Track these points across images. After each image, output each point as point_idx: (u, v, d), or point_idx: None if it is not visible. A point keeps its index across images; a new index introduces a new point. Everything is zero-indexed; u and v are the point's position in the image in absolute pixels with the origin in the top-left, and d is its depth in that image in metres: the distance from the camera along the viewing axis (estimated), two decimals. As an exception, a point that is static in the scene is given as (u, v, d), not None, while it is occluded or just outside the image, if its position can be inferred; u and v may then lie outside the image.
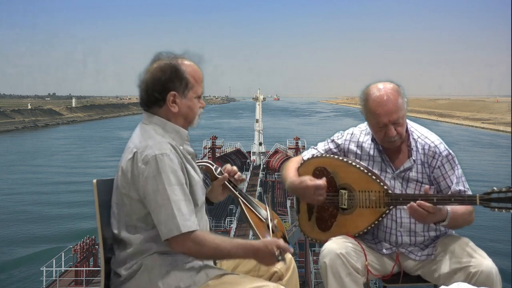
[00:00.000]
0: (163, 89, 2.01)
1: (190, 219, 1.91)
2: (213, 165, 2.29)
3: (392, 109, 2.33)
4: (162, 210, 1.89)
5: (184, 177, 1.96)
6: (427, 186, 2.31)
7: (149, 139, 1.96)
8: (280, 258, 1.91)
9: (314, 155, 2.61)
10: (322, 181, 2.44)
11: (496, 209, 2.19)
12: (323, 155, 2.60)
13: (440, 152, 2.43)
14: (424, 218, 2.27)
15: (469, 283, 2.03)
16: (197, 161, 2.16)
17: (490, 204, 2.20)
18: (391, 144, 2.43)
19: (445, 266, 2.32)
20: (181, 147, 2.03)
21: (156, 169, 1.89)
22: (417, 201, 2.25)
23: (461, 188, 2.41)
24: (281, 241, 1.95)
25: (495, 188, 2.21)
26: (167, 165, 1.91)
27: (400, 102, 2.36)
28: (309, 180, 2.45)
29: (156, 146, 1.93)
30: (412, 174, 2.44)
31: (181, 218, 1.89)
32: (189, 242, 1.90)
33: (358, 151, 2.55)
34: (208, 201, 2.26)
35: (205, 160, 2.30)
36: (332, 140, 2.64)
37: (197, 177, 2.06)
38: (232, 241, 1.95)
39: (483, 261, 2.23)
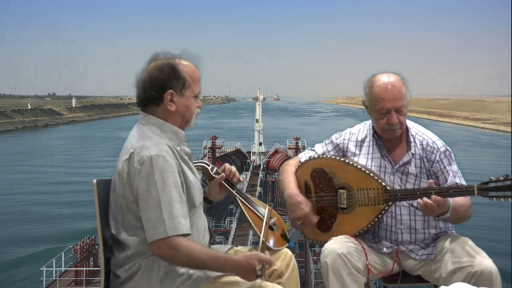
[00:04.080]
0: (160, 87, 2.01)
1: (182, 222, 1.89)
2: (209, 165, 2.29)
3: (397, 95, 2.38)
4: (150, 213, 1.87)
5: (180, 179, 1.95)
6: (431, 180, 2.32)
7: (147, 139, 1.95)
8: (259, 273, 1.87)
9: (311, 157, 2.62)
10: (314, 219, 2.49)
11: (494, 198, 2.19)
12: (320, 156, 2.61)
13: (438, 148, 2.46)
14: (432, 210, 2.28)
15: (469, 283, 2.03)
16: (193, 161, 2.16)
17: (488, 193, 2.20)
18: (391, 134, 2.45)
19: (445, 266, 2.32)
20: (178, 148, 2.02)
21: (150, 169, 1.88)
22: (432, 197, 2.25)
23: (458, 181, 2.43)
24: (263, 255, 1.93)
25: (492, 178, 2.21)
26: (162, 166, 1.89)
27: (404, 92, 2.42)
28: (307, 208, 2.47)
29: (153, 147, 1.92)
30: (411, 168, 2.46)
31: (169, 221, 1.86)
32: (165, 246, 1.86)
33: (357, 149, 2.57)
34: (206, 199, 2.26)
35: (201, 161, 2.31)
36: (331, 141, 2.65)
37: (194, 178, 2.06)
38: (210, 252, 1.91)
39: (483, 261, 2.23)
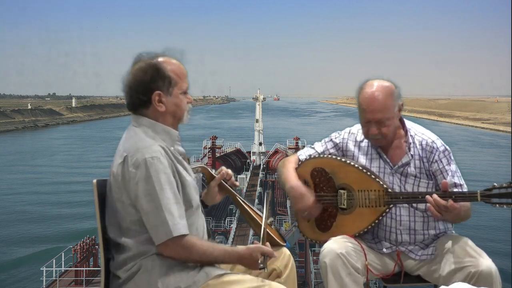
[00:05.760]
0: (147, 90, 1.99)
1: (181, 222, 1.91)
2: (207, 167, 2.31)
3: (377, 108, 2.36)
4: (153, 215, 1.89)
5: (175, 180, 1.95)
6: (445, 180, 2.32)
7: (139, 142, 1.95)
8: (262, 266, 1.97)
9: (312, 156, 2.61)
10: (318, 209, 2.51)
11: (497, 205, 2.19)
12: (321, 155, 2.60)
13: (438, 148, 2.45)
14: (439, 214, 2.28)
15: (469, 283, 2.03)
16: (191, 164, 2.16)
17: (491, 200, 2.20)
18: (373, 142, 2.47)
19: (445, 266, 2.32)
20: (172, 148, 2.02)
21: (146, 173, 1.88)
22: (450, 203, 2.23)
23: (457, 181, 2.42)
24: (265, 248, 1.99)
25: (495, 184, 2.21)
26: (158, 168, 1.89)
27: (389, 104, 2.37)
28: (311, 198, 2.48)
29: (147, 149, 1.91)
30: (411, 169, 2.45)
31: (172, 222, 1.88)
32: (178, 246, 1.90)
33: (357, 149, 2.56)
34: (202, 203, 2.25)
35: (199, 164, 2.33)
36: (330, 140, 2.64)
37: (190, 178, 2.05)
38: (219, 247, 1.98)
39: (483, 261, 2.23)
